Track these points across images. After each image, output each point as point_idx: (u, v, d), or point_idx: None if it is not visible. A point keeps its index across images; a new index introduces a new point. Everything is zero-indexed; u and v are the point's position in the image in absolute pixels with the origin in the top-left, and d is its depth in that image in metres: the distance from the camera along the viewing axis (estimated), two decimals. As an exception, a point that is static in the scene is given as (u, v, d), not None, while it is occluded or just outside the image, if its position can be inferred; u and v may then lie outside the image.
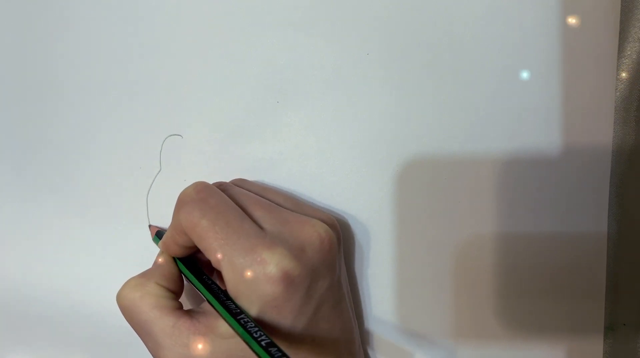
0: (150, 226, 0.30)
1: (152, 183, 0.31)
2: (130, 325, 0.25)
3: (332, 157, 0.29)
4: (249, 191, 0.27)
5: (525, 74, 0.27)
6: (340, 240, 0.26)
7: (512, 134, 0.28)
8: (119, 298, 0.25)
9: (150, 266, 0.30)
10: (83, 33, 0.31)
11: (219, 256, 0.22)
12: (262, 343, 0.20)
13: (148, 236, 0.31)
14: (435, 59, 0.28)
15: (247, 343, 0.21)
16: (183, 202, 0.24)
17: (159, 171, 0.31)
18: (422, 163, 0.28)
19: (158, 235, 0.29)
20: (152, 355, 0.24)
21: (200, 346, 0.23)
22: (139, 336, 0.25)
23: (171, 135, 0.30)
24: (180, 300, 0.26)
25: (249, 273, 0.22)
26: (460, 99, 0.28)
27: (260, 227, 0.24)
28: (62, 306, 0.32)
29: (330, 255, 0.24)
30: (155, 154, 0.30)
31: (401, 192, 0.29)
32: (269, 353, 0.20)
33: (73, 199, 0.31)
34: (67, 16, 0.31)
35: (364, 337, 0.30)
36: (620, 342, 0.28)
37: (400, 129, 0.28)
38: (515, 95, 0.28)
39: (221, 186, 0.26)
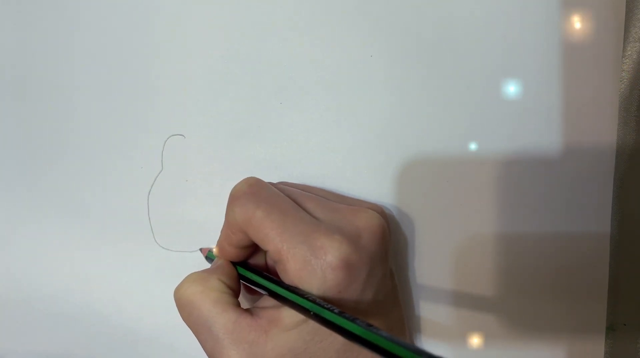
0: (201, 249, 0.30)
1: (154, 183, 0.31)
2: (187, 322, 0.24)
3: (334, 158, 0.29)
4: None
5: (524, 77, 0.27)
6: (390, 228, 0.26)
7: (513, 134, 0.28)
8: (179, 293, 0.24)
9: (148, 267, 0.30)
10: (85, 34, 0.31)
11: (278, 245, 0.22)
12: (335, 310, 0.20)
13: (149, 235, 0.31)
14: (437, 60, 0.28)
15: (317, 315, 0.20)
16: (235, 197, 0.24)
17: (161, 171, 0.30)
18: (423, 163, 0.29)
19: (210, 254, 0.28)
20: (209, 354, 0.23)
21: (261, 342, 0.22)
22: (196, 333, 0.24)
23: (173, 135, 0.30)
24: None
25: (309, 260, 0.22)
26: (462, 100, 0.28)
27: (312, 215, 0.24)
28: (62, 306, 0.32)
29: (384, 242, 0.24)
30: (157, 154, 0.30)
31: (403, 192, 0.29)
32: (344, 317, 0.20)
33: (73, 198, 0.31)
34: (69, 17, 0.31)
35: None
36: (621, 342, 0.28)
37: (401, 130, 0.29)
38: (517, 95, 0.28)
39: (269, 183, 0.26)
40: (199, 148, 0.30)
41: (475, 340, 0.29)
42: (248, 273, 0.25)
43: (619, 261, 0.28)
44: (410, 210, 0.29)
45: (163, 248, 0.31)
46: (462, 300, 0.29)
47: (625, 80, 0.27)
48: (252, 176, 0.25)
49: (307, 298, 0.21)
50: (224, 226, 0.25)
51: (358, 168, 0.29)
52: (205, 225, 0.30)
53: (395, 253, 0.29)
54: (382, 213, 0.26)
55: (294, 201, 0.24)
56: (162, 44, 0.30)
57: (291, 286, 0.23)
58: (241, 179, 0.29)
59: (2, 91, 0.32)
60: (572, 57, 0.27)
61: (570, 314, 0.28)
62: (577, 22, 0.27)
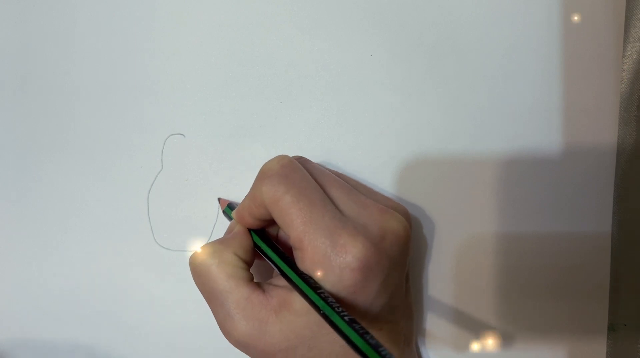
0: (219, 199, 0.30)
1: (154, 183, 0.30)
2: (200, 289, 0.25)
3: (334, 157, 0.29)
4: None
5: (527, 75, 0.28)
6: (411, 232, 0.26)
7: (514, 135, 0.28)
8: (195, 262, 0.24)
9: (148, 266, 0.30)
10: (85, 33, 0.31)
11: (300, 234, 0.22)
12: (346, 318, 0.20)
13: (149, 235, 0.31)
14: (438, 60, 0.28)
15: (326, 317, 0.20)
16: (266, 175, 0.24)
17: (160, 170, 0.30)
18: (424, 163, 0.29)
19: (229, 206, 0.28)
20: (219, 324, 0.24)
21: (271, 322, 0.23)
22: (208, 302, 0.24)
23: (173, 134, 0.30)
24: None
25: (329, 256, 0.22)
26: (463, 100, 0.28)
27: (338, 207, 0.24)
28: (62, 306, 0.32)
29: (406, 247, 0.24)
30: (157, 153, 0.30)
31: (403, 192, 0.29)
32: (353, 327, 0.20)
33: (73, 198, 0.31)
34: (70, 17, 0.31)
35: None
36: (622, 342, 0.28)
37: (402, 129, 0.29)
38: (518, 95, 0.28)
39: (299, 161, 0.25)
40: (199, 147, 0.30)
41: (475, 340, 0.29)
42: (264, 246, 0.25)
43: (619, 261, 0.28)
44: (410, 210, 0.29)
45: (163, 247, 0.30)
46: (462, 299, 0.29)
47: (625, 80, 0.27)
48: (285, 154, 0.25)
49: (320, 295, 0.21)
50: (248, 197, 0.25)
51: (358, 167, 0.29)
52: (205, 224, 0.30)
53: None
54: (406, 215, 0.26)
55: (323, 186, 0.24)
56: (162, 43, 0.30)
57: (306, 275, 0.23)
58: (244, 175, 0.29)
59: (2, 90, 0.32)
60: (572, 57, 0.27)
61: (571, 314, 0.28)
62: (577, 22, 0.27)
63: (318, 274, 0.22)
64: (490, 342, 0.29)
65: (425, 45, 0.28)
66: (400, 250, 0.24)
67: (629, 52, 0.27)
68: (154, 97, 0.30)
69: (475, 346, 0.29)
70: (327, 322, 0.20)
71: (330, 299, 0.21)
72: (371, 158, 0.29)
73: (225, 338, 0.24)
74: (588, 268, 0.28)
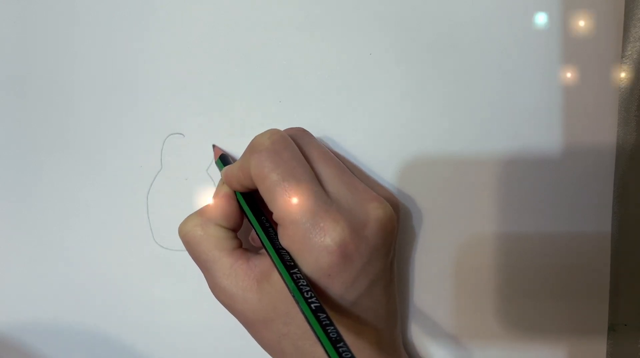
0: (214, 146, 0.30)
1: (153, 182, 0.30)
2: (191, 256, 0.26)
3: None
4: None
5: (528, 72, 0.27)
6: (399, 223, 0.26)
7: (514, 134, 0.28)
8: (182, 231, 0.26)
9: (147, 266, 0.30)
10: (85, 32, 0.31)
11: (283, 212, 0.23)
12: (312, 306, 0.20)
13: (148, 234, 0.31)
14: (437, 59, 0.28)
15: (295, 299, 0.21)
16: (255, 150, 0.24)
17: (160, 170, 0.30)
18: (424, 163, 0.29)
19: (222, 159, 0.28)
20: (210, 287, 0.25)
21: (253, 291, 0.24)
22: (199, 267, 0.26)
23: (172, 134, 0.30)
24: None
25: (308, 238, 0.22)
26: (462, 99, 0.28)
27: (327, 187, 0.24)
28: (61, 305, 0.32)
29: (390, 237, 0.24)
30: (156, 152, 0.30)
31: (403, 192, 0.29)
32: (316, 317, 0.20)
33: (73, 197, 0.31)
34: (70, 16, 0.31)
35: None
36: (622, 342, 0.28)
37: (401, 129, 0.29)
38: (518, 95, 0.28)
39: (292, 135, 0.25)
40: (199, 146, 0.30)
41: (475, 340, 0.29)
42: (249, 214, 0.25)
43: (619, 261, 0.28)
44: (410, 210, 0.29)
45: (162, 247, 0.30)
46: (462, 299, 0.29)
47: (625, 80, 0.27)
48: (277, 129, 0.25)
49: (292, 276, 0.21)
50: (237, 165, 0.25)
51: (358, 167, 0.29)
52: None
53: (397, 252, 0.29)
54: (396, 206, 0.26)
55: (316, 163, 0.24)
56: (161, 43, 0.30)
57: (283, 251, 0.23)
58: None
59: (2, 90, 0.31)
60: (572, 56, 0.27)
61: (571, 314, 0.28)
62: (577, 22, 0.27)
63: (295, 252, 0.23)
64: (489, 342, 0.29)
65: (425, 44, 0.28)
66: (382, 239, 0.24)
67: (629, 52, 0.27)
68: (153, 97, 0.30)
69: (475, 346, 0.29)
70: (296, 303, 0.21)
71: (301, 281, 0.21)
72: (371, 157, 0.29)
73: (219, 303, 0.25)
74: (588, 268, 0.28)
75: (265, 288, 0.23)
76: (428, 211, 0.29)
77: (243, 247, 0.26)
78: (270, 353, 0.25)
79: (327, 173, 0.24)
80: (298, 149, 0.24)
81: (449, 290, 0.29)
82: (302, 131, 0.26)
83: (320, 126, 0.29)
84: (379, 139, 0.29)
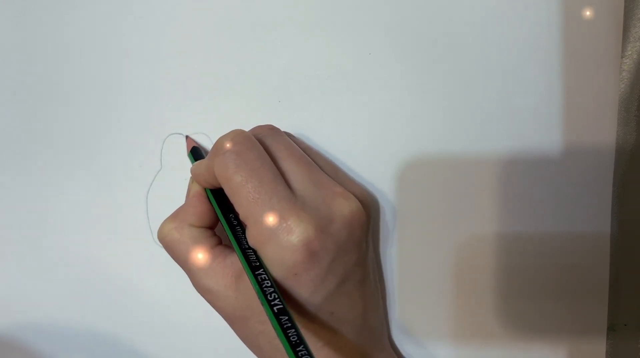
0: (187, 137, 0.30)
1: (153, 182, 0.30)
2: (172, 259, 0.26)
3: (333, 157, 0.29)
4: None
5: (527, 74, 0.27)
6: (369, 218, 0.26)
7: (514, 134, 0.28)
8: (160, 235, 0.26)
9: (147, 266, 0.30)
10: (84, 32, 0.31)
11: (247, 213, 0.23)
12: (275, 308, 0.20)
13: (148, 234, 0.31)
14: (437, 59, 0.28)
15: (260, 301, 0.21)
16: (218, 151, 0.24)
17: (160, 170, 0.30)
18: (423, 163, 0.29)
19: (193, 152, 0.28)
20: (194, 287, 0.26)
21: (231, 288, 0.24)
22: (181, 267, 0.26)
23: (172, 134, 0.30)
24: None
25: (273, 237, 0.22)
26: (462, 99, 0.28)
27: (293, 184, 0.24)
28: (60, 305, 0.32)
29: (358, 232, 0.24)
30: (156, 152, 0.30)
31: (403, 192, 0.29)
32: (278, 320, 0.20)
33: (73, 198, 0.31)
34: (69, 15, 0.31)
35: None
36: (622, 342, 0.28)
37: (401, 129, 0.29)
38: (518, 95, 0.28)
39: (259, 134, 0.25)
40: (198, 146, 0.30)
41: (475, 340, 0.29)
42: (218, 212, 0.25)
43: (619, 261, 0.28)
44: (410, 210, 0.29)
45: (162, 247, 0.30)
46: (462, 299, 0.29)
47: (625, 80, 0.27)
48: (242, 129, 0.25)
49: (256, 277, 0.22)
50: (204, 164, 0.25)
51: (358, 167, 0.29)
52: (204, 224, 0.30)
53: (396, 252, 0.29)
54: (365, 200, 0.26)
55: (282, 161, 0.24)
56: (161, 43, 0.30)
57: (250, 251, 0.23)
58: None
59: (2, 90, 0.31)
60: (572, 57, 0.27)
61: (571, 314, 0.28)
62: (577, 22, 0.27)
63: (262, 252, 0.23)
64: (489, 342, 0.29)
65: (425, 44, 0.28)
66: (350, 235, 0.24)
67: (629, 52, 0.27)
68: (153, 97, 0.30)
69: (475, 346, 0.29)
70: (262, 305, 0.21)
71: (265, 283, 0.21)
72: (370, 157, 0.29)
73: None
74: (588, 268, 0.28)
75: (240, 286, 0.24)
76: (428, 211, 0.29)
77: (223, 243, 0.26)
78: (249, 348, 0.25)
79: (293, 171, 0.24)
80: (263, 148, 0.24)
81: (449, 290, 0.29)
82: (270, 129, 0.26)
83: (320, 126, 0.29)
84: (379, 139, 0.29)
